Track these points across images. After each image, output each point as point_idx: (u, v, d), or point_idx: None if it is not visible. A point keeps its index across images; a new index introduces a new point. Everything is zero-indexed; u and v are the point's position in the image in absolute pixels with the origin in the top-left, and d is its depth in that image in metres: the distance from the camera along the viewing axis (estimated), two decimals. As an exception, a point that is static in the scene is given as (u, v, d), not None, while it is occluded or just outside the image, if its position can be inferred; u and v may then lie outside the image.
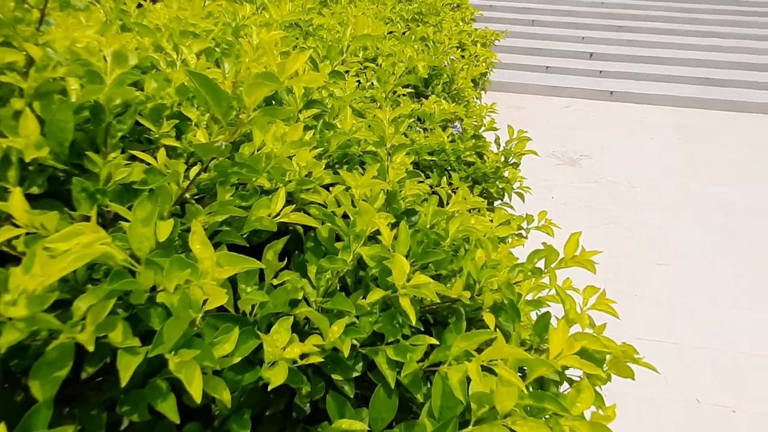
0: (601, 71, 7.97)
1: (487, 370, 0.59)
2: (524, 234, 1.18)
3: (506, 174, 1.33)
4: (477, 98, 2.09)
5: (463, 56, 2.22)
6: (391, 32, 2.31)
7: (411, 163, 1.05)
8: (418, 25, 2.56)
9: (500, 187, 1.27)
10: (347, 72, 1.19)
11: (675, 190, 4.81)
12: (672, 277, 3.59)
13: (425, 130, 1.41)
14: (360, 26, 0.99)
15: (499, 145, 1.47)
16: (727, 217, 4.39)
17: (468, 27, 2.82)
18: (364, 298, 0.70)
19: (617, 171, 5.11)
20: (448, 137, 1.29)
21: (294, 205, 0.74)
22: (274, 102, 0.96)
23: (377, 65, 1.55)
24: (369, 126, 0.97)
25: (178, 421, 0.53)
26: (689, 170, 5.23)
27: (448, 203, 0.97)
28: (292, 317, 0.62)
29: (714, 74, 7.78)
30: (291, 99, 0.94)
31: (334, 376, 0.67)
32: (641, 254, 3.83)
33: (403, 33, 2.34)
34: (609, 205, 4.50)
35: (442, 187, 1.21)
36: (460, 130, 1.48)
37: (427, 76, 1.58)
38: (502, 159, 1.33)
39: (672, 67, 8.08)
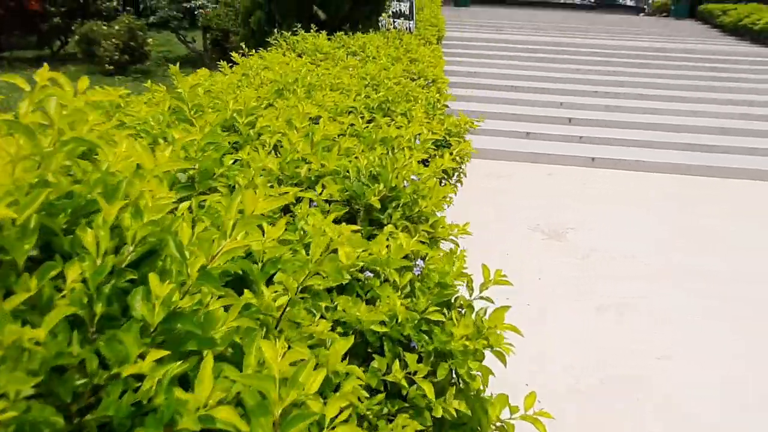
0: (581, 137, 7.89)
1: None
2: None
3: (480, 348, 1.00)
4: (449, 204, 1.79)
5: (432, 156, 1.94)
6: (352, 124, 2.04)
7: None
8: (385, 115, 2.30)
9: (473, 372, 0.94)
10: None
11: (670, 264, 4.53)
12: (678, 372, 3.23)
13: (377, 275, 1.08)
14: (249, 203, 0.67)
15: (471, 290, 1.15)
16: (734, 294, 4.09)
17: (440, 112, 2.58)
18: None
19: (606, 245, 4.84)
20: (403, 296, 0.97)
21: None
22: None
23: (316, 192, 1.24)
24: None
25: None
26: (681, 242, 4.98)
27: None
28: None
29: (697, 139, 7.73)
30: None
31: None
32: (638, 344, 3.47)
33: (367, 124, 2.08)
34: (600, 283, 4.19)
35: (394, 375, 0.87)
36: (421, 269, 1.16)
37: (381, 200, 1.29)
38: (476, 328, 1.01)
39: (653, 132, 8.04)
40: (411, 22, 7.54)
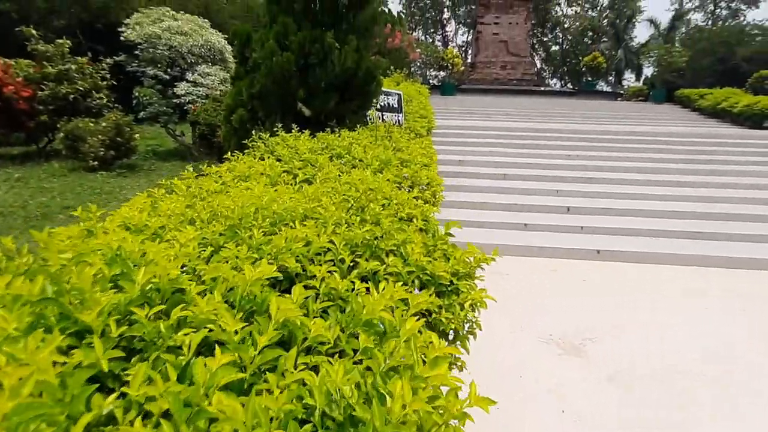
0: (582, 227, 7.45)
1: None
2: None
3: None
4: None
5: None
6: (331, 271, 1.48)
7: None
8: (372, 254, 1.75)
9: None
10: None
11: (731, 380, 3.85)
12: None
13: None
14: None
15: None
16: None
17: (442, 241, 2.03)
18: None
19: (635, 360, 4.17)
20: None
21: None
22: None
23: None
24: None
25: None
26: (737, 349, 4.32)
27: None
28: None
29: (703, 226, 7.30)
30: None
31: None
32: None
33: (348, 270, 1.52)
34: (636, 414, 3.48)
35: None
36: None
37: None
38: None
39: (655, 220, 7.63)
40: (400, 114, 7.31)
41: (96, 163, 10.90)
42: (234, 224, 1.69)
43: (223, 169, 3.04)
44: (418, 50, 22.86)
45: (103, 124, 11.09)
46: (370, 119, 6.55)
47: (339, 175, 3.18)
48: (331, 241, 1.66)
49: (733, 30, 27.32)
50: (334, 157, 3.87)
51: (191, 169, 3.08)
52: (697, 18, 33.75)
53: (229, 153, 4.00)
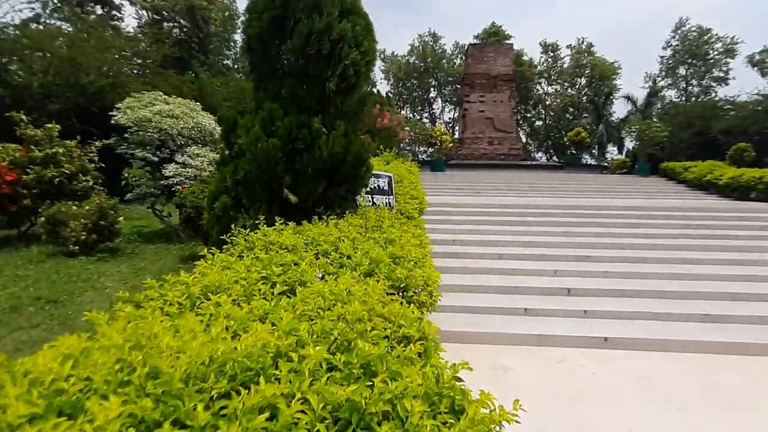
0: (585, 311, 7.00)
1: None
2: None
3: None
4: None
5: None
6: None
7: None
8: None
9: None
10: None
11: None
12: None
13: None
14: None
15: None
16: None
17: (448, 386, 1.59)
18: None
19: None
20: None
21: None
22: None
23: None
24: None
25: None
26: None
27: None
28: None
29: (713, 307, 6.88)
30: None
31: None
32: None
33: None
34: None
35: None
36: None
37: None
38: None
39: (663, 302, 7.21)
40: (391, 197, 7.06)
41: (77, 247, 10.44)
42: (174, 391, 1.27)
43: (193, 277, 2.64)
44: (408, 128, 23.33)
45: (87, 207, 10.76)
46: (361, 202, 6.27)
47: (324, 278, 2.78)
48: (304, 411, 1.24)
49: (707, 105, 28.35)
50: (320, 254, 3.50)
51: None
52: (671, 94, 35.23)
53: (206, 250, 3.61)
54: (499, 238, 9.73)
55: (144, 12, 25.21)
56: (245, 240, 3.76)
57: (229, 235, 3.90)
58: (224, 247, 3.83)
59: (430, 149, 25.79)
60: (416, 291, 3.06)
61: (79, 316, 7.52)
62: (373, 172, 6.87)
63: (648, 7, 52.97)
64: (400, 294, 3.00)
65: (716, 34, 33.09)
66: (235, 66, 31.58)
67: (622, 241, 9.50)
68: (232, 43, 30.19)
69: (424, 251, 4.34)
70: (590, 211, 11.62)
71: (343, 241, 3.85)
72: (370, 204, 6.52)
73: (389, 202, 6.95)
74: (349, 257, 3.41)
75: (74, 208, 10.79)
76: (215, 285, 2.56)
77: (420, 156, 31.43)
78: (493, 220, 10.85)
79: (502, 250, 9.16)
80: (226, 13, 28.98)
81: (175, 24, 25.86)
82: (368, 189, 6.57)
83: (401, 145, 30.10)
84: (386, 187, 6.90)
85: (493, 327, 6.47)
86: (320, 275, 3.01)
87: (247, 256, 3.44)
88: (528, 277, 8.17)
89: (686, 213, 11.27)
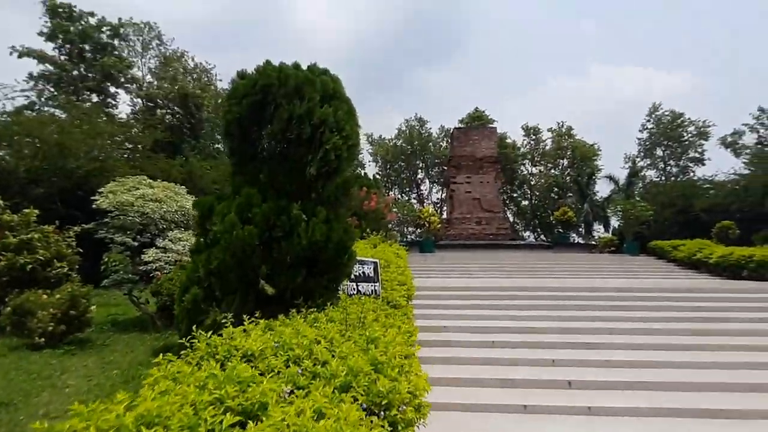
0: (590, 407, 6.37)
1: None
2: None
3: None
4: None
5: None
6: None
7: None
8: None
9: None
10: None
11: None
12: None
13: None
14: None
15: None
16: None
17: None
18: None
19: None
20: None
21: None
22: None
23: None
24: None
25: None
26: None
27: None
28: None
29: (726, 400, 6.29)
30: None
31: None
32: None
33: None
34: None
35: None
36: None
37: None
38: None
39: (669, 395, 6.63)
40: (377, 284, 6.63)
41: (43, 339, 9.70)
42: None
43: (122, 407, 2.14)
44: (395, 210, 23.35)
45: (58, 295, 10.14)
46: (344, 291, 5.83)
47: (288, 398, 2.29)
48: None
49: (686, 184, 28.96)
50: (291, 361, 3.02)
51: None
52: (650, 174, 36.14)
53: (170, 354, 3.12)
54: (492, 324, 9.21)
55: (138, 99, 25.88)
56: (207, 345, 3.28)
57: (188, 338, 3.41)
58: (183, 353, 3.34)
59: (416, 230, 25.68)
60: (400, 408, 2.58)
61: (32, 421, 6.71)
62: (358, 258, 6.49)
63: (622, 94, 56.01)
64: (382, 413, 2.51)
65: (689, 118, 34.62)
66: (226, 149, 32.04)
67: (622, 325, 9.02)
68: (224, 129, 30.79)
69: (410, 351, 3.86)
70: (585, 293, 11.21)
71: (320, 342, 3.39)
72: (355, 293, 6.08)
73: (375, 290, 6.51)
74: (324, 364, 2.94)
75: (44, 296, 10.16)
76: (154, 414, 2.07)
77: (409, 236, 31.32)
78: (485, 304, 10.36)
79: (496, 337, 8.60)
80: (218, 100, 29.86)
81: (168, 110, 26.48)
82: (353, 276, 6.15)
83: (389, 226, 30.07)
84: (372, 274, 6.50)
85: (488, 426, 5.82)
86: (288, 391, 2.53)
87: (207, 365, 2.95)
88: (525, 368, 7.57)
89: (685, 294, 10.90)
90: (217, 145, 30.72)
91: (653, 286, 11.86)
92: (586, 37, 61.69)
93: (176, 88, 25.33)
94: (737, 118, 47.90)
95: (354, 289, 6.13)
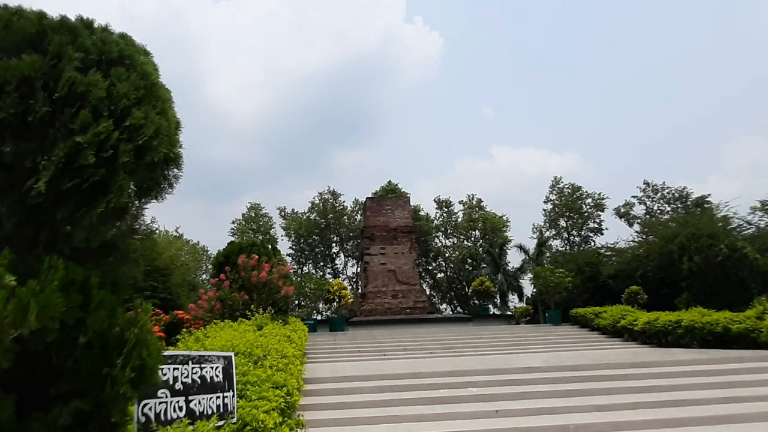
0: None
1: None
2: None
3: None
4: None
5: None
6: None
7: None
8: None
9: None
10: None
11: None
12: None
13: None
14: None
15: None
16: None
17: None
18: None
19: None
20: None
21: None
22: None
23: None
24: None
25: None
26: None
27: None
28: None
29: None
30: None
31: None
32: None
33: None
34: None
35: None
36: None
37: None
38: None
39: None
40: (227, 394, 3.97)
41: None
42: None
43: None
44: (305, 283, 20.53)
45: None
46: (146, 420, 3.14)
47: None
48: None
49: (589, 253, 28.99)
50: None
51: None
52: (556, 244, 36.48)
53: None
54: (415, 428, 6.67)
55: None
56: None
57: None
58: None
59: (330, 306, 22.89)
60: None
61: None
62: (196, 354, 3.84)
63: (524, 172, 58.76)
64: None
65: (586, 191, 35.85)
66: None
67: (576, 418, 6.85)
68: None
69: None
70: (518, 374, 9.08)
71: None
72: (181, 416, 3.41)
73: (224, 405, 3.87)
74: None
75: None
76: None
77: (325, 313, 28.25)
78: (404, 398, 7.82)
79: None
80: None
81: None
82: (179, 386, 3.50)
83: (295, 302, 26.89)
84: (219, 378, 3.87)
85: None
86: None
87: None
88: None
89: (628, 371, 9.08)
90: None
91: (594, 361, 10.00)
92: (487, 121, 65.28)
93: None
94: (626, 190, 51.32)
95: (180, 408, 3.46)
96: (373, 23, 62.42)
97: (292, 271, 29.98)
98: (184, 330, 9.20)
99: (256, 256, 10.50)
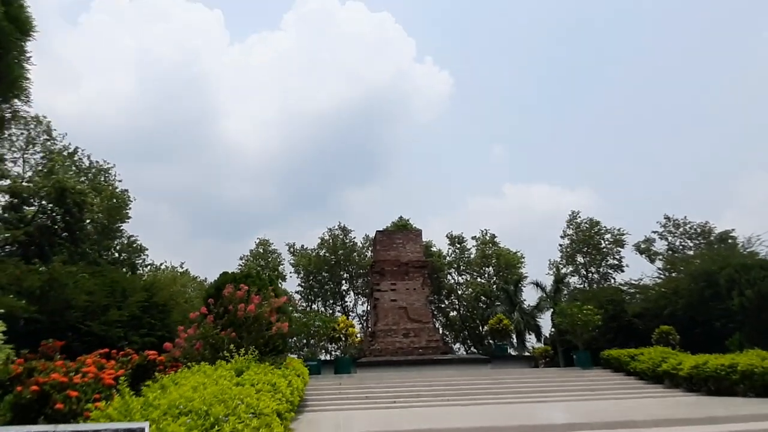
0: None
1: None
2: None
3: None
4: None
5: None
6: None
7: None
8: None
9: None
10: None
11: None
12: None
13: None
14: None
15: None
16: None
17: None
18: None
19: None
20: None
21: None
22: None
23: None
24: None
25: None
26: None
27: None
28: None
29: None
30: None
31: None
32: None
33: None
34: None
35: None
36: None
37: None
38: None
39: None
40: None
41: None
42: None
43: None
44: (309, 320, 18.75)
45: None
46: None
47: None
48: None
49: (610, 290, 26.89)
50: None
51: None
52: (574, 281, 34.29)
53: None
54: None
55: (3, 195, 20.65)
56: None
57: None
58: None
59: (337, 345, 20.97)
60: None
61: None
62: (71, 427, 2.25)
63: (541, 207, 56.91)
64: None
65: (605, 227, 33.94)
66: (121, 257, 26.49)
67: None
68: (117, 233, 25.64)
69: None
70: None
71: None
72: None
73: None
74: None
75: None
76: None
77: (334, 353, 26.23)
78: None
79: None
80: (113, 200, 24.98)
81: (41, 208, 21.29)
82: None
83: (303, 340, 24.85)
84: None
85: None
86: None
87: None
88: None
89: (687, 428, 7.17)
90: (106, 252, 25.20)
91: (646, 416, 8.08)
92: (498, 159, 64.11)
93: (51, 182, 20.47)
94: (638, 225, 49.00)
95: None
96: (384, 63, 62.55)
97: (297, 307, 28.01)
98: (158, 373, 7.57)
99: (245, 287, 8.94)
